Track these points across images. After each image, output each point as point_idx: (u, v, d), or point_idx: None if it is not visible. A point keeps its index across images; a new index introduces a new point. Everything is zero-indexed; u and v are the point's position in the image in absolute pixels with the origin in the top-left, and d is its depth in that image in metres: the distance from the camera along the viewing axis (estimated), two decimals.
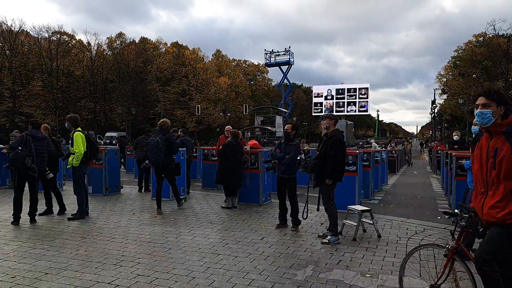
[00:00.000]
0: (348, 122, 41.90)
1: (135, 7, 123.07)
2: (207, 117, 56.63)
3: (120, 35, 58.89)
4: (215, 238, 5.88)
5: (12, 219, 6.87)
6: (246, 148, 8.63)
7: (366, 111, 42.50)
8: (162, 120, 8.01)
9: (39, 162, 6.99)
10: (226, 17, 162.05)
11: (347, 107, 42.50)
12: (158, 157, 7.61)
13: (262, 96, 71.39)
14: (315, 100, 44.26)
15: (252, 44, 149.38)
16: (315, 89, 44.71)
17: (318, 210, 5.92)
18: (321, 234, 5.84)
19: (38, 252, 5.21)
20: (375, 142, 25.30)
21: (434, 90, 49.84)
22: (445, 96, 57.41)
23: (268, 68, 74.87)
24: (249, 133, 29.72)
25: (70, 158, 7.30)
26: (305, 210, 5.91)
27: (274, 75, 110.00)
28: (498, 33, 44.71)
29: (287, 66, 43.49)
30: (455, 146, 10.91)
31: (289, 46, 43.98)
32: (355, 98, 41.83)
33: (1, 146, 11.77)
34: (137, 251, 5.24)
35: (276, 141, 34.65)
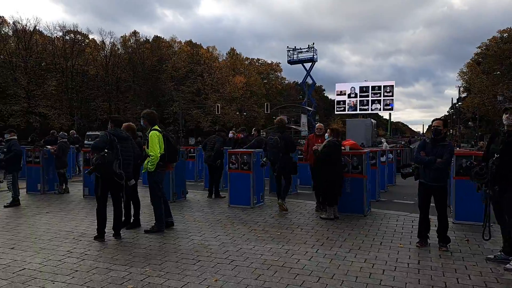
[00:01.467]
0: (373, 121, 40.67)
1: (141, 6, 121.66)
2: (222, 116, 55.58)
3: (134, 33, 58.04)
4: (358, 261, 4.80)
5: (96, 234, 5.85)
6: (343, 149, 7.54)
7: (392, 109, 41.24)
8: (278, 118, 7.94)
9: (125, 167, 5.94)
10: (232, 16, 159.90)
11: (371, 105, 41.26)
12: (277, 155, 7.45)
13: (275, 95, 70.19)
14: (337, 98, 43.01)
15: (258, 43, 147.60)
16: (338, 87, 43.40)
17: (487, 238, 4.73)
18: (492, 256, 4.73)
19: (161, 282, 4.16)
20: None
21: (459, 87, 48.61)
22: (464, 94, 56.10)
23: (282, 67, 73.89)
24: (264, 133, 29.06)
25: (145, 162, 6.23)
26: (486, 229, 4.70)
27: (286, 74, 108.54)
28: None
29: (310, 63, 42.29)
30: None
31: (313, 43, 42.92)
32: (380, 96, 40.55)
33: (49, 147, 10.78)
34: (281, 281, 4.18)
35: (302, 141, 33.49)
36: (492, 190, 4.45)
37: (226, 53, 65.90)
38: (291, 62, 42.84)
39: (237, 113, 53.36)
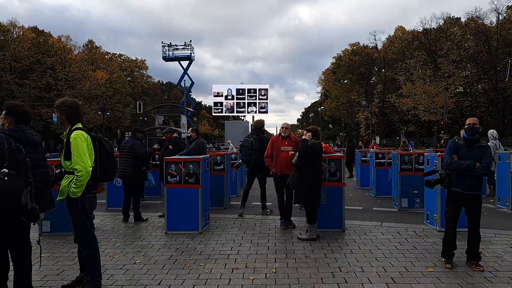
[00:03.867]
0: (251, 122, 41.14)
1: None
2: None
3: None
4: None
5: None
6: None
7: (266, 112, 42.22)
8: (257, 120, 7.67)
9: (40, 195, 3.45)
10: (82, 6, 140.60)
11: (247, 108, 41.56)
12: (251, 158, 7.12)
13: (141, 94, 65.18)
14: (214, 99, 41.95)
15: (113, 39, 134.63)
16: (215, 88, 42.31)
17: None
18: None
19: None
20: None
21: (320, 93, 53.40)
22: (317, 98, 62.48)
23: (148, 65, 69.27)
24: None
25: (64, 182, 3.84)
26: None
27: (153, 72, 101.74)
28: (376, 43, 50.74)
29: (188, 61, 39.98)
30: None
31: (190, 40, 40.52)
32: (255, 99, 41.17)
33: None
34: None
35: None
36: None
37: (83, 45, 58.07)
38: (166, 58, 39.76)
39: (99, 112, 47.23)
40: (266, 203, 7.88)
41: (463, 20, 45.78)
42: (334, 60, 56.95)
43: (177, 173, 6.15)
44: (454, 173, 4.44)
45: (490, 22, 43.60)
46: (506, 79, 29.32)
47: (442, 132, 30.16)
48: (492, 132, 9.63)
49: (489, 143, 9.60)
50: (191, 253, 5.21)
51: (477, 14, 42.94)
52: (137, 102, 34.54)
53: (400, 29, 51.14)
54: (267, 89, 41.57)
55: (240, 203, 7.60)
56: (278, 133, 6.58)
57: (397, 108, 43.06)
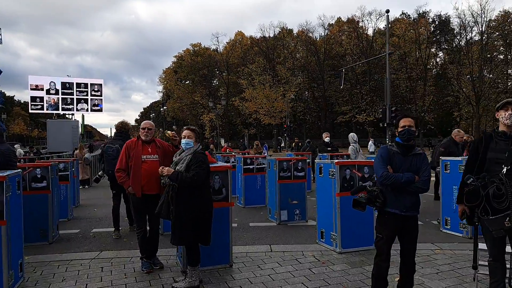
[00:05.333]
0: (81, 122, 35.53)
1: None
2: None
3: None
4: None
5: None
6: None
7: (101, 110, 37.11)
8: (120, 121, 6.41)
9: None
10: None
11: (77, 105, 35.69)
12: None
13: None
14: (32, 93, 34.40)
15: None
16: (32, 80, 34.56)
17: (476, 267, 3.51)
18: None
19: None
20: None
21: (162, 92, 50.49)
22: (159, 98, 59.61)
23: None
24: None
25: None
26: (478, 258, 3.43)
27: None
28: (218, 46, 51.16)
29: None
30: (329, 148, 10.42)
31: None
32: (87, 95, 35.74)
33: None
34: None
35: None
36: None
37: None
38: None
39: None
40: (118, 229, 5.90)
41: (295, 32, 50.51)
42: (175, 59, 55.21)
43: None
44: (388, 189, 3.43)
45: (315, 37, 49.46)
46: (341, 87, 33.01)
47: (285, 134, 32.01)
48: (352, 135, 9.67)
49: (350, 147, 9.63)
50: None
51: (308, 27, 48.06)
52: None
53: (240, 34, 53.07)
54: (101, 85, 36.80)
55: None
56: (136, 136, 4.58)
57: (240, 111, 44.30)
